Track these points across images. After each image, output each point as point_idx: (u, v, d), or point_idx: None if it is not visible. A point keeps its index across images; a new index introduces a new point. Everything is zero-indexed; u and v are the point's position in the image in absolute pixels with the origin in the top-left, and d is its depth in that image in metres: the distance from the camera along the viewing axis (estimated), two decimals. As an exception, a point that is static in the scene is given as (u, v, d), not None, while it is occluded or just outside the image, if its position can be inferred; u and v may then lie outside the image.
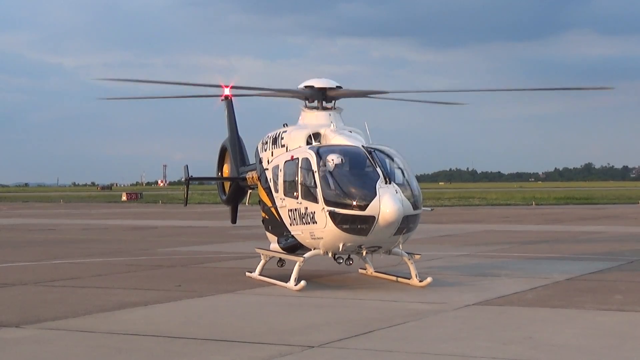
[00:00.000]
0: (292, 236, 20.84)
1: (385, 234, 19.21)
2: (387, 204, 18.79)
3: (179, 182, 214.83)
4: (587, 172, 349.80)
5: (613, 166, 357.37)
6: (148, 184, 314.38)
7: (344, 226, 19.18)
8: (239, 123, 27.07)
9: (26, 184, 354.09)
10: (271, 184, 21.80)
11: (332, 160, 19.71)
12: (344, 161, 19.81)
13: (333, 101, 22.28)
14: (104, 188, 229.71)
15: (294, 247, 21.10)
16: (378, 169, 19.42)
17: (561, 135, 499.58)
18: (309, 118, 22.10)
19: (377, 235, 19.15)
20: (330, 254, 20.10)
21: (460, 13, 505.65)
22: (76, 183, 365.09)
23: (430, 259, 26.13)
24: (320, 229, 19.60)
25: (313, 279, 21.31)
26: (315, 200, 19.62)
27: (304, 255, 20.38)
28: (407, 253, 20.71)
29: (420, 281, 20.22)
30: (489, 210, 73.09)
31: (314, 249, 20.30)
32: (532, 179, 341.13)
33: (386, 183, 19.17)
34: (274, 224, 21.81)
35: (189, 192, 28.29)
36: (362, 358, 12.61)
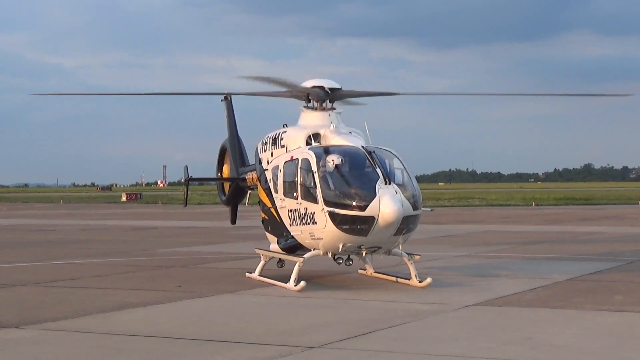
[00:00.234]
0: (292, 237, 20.84)
1: (385, 234, 19.21)
2: (386, 204, 18.79)
3: (178, 183, 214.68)
4: (587, 173, 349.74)
5: (613, 167, 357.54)
6: (148, 184, 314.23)
7: (344, 227, 19.18)
8: (238, 123, 27.10)
9: (26, 185, 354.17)
10: (271, 185, 21.80)
11: (332, 160, 19.71)
12: (343, 162, 19.81)
13: (333, 102, 22.26)
14: (103, 188, 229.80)
15: (294, 248, 21.10)
16: (378, 170, 19.43)
17: (561, 135, 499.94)
18: (308, 119, 22.09)
19: (377, 235, 19.15)
20: (330, 255, 20.10)
21: (460, 13, 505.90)
22: (76, 183, 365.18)
23: (430, 259, 26.13)
24: (320, 230, 19.60)
25: (313, 279, 21.31)
26: (315, 201, 19.62)
27: (304, 256, 20.38)
28: (406, 253, 20.71)
29: (420, 282, 20.22)
30: (489, 210, 73.10)
31: (314, 250, 20.31)
32: (532, 180, 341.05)
33: (386, 183, 19.17)
34: (274, 224, 21.81)
35: (188, 192, 28.31)
36: (362, 358, 12.61)
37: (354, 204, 19.10)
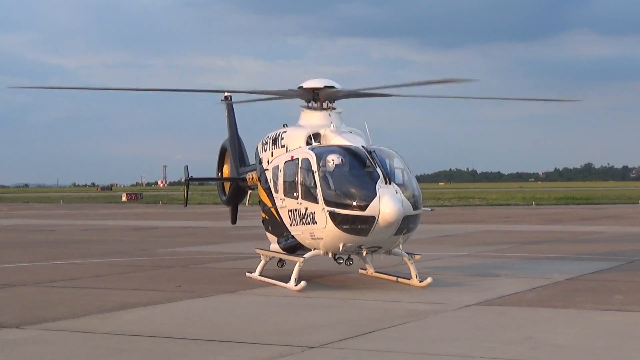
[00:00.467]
0: (292, 236, 20.84)
1: (386, 234, 19.21)
2: (387, 204, 18.79)
3: (179, 183, 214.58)
4: (587, 172, 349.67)
5: (613, 166, 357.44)
6: (148, 184, 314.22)
7: (344, 226, 19.18)
8: (238, 123, 27.10)
9: (26, 185, 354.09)
10: (271, 185, 21.80)
11: (332, 160, 19.72)
12: (344, 161, 19.81)
13: (327, 101, 22.22)
14: (104, 189, 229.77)
15: (294, 248, 21.10)
16: (378, 169, 19.43)
17: (561, 135, 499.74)
18: (308, 118, 22.10)
19: (377, 235, 19.15)
20: (330, 255, 20.10)
21: (460, 14, 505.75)
22: (76, 184, 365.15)
23: (430, 259, 26.13)
24: (320, 229, 19.61)
25: (313, 279, 21.32)
26: (315, 201, 19.62)
27: (304, 256, 20.38)
28: (407, 253, 20.71)
29: (420, 281, 20.22)
30: (489, 210, 73.10)
31: (314, 250, 20.31)
32: (532, 179, 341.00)
33: (386, 183, 19.17)
34: (274, 224, 21.81)
35: (189, 192, 28.30)
36: (362, 358, 12.61)
37: (355, 203, 19.10)
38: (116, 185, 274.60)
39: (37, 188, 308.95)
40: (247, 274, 22.74)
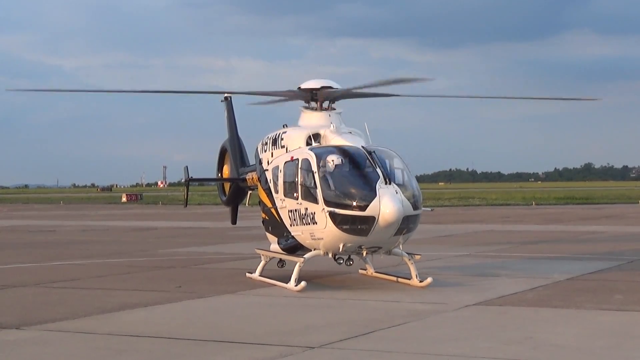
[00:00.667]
0: (292, 237, 20.84)
1: (386, 234, 19.21)
2: (387, 204, 18.79)
3: (179, 183, 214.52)
4: (587, 172, 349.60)
5: (613, 166, 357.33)
6: (148, 185, 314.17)
7: (344, 227, 19.18)
8: (238, 124, 27.09)
9: (26, 186, 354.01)
10: (271, 185, 21.80)
11: (332, 160, 19.72)
12: (343, 162, 19.82)
13: (333, 102, 22.26)
14: (103, 189, 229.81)
15: (294, 248, 21.10)
16: (378, 170, 19.43)
17: (561, 135, 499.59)
18: (308, 119, 22.10)
19: (377, 235, 19.15)
20: (330, 255, 20.10)
21: (460, 14, 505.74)
22: (76, 184, 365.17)
23: (430, 259, 26.13)
24: (320, 230, 19.61)
25: (313, 279, 21.31)
26: (315, 201, 19.62)
27: (304, 256, 20.38)
28: (407, 253, 20.70)
29: (420, 281, 20.22)
30: (489, 210, 73.11)
31: (314, 250, 20.31)
32: (532, 179, 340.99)
33: (386, 183, 19.17)
34: (274, 224, 21.81)
35: (189, 193, 28.29)
36: (363, 358, 12.61)
37: (354, 204, 19.10)
38: (116, 186, 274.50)
39: (37, 189, 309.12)
40: (247, 274, 22.74)
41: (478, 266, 25.25)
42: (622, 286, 20.34)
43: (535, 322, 15.43)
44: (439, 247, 32.03)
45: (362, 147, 20.24)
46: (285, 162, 20.99)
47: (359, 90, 22.33)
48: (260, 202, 22.96)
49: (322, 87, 21.93)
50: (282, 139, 22.01)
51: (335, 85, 22.06)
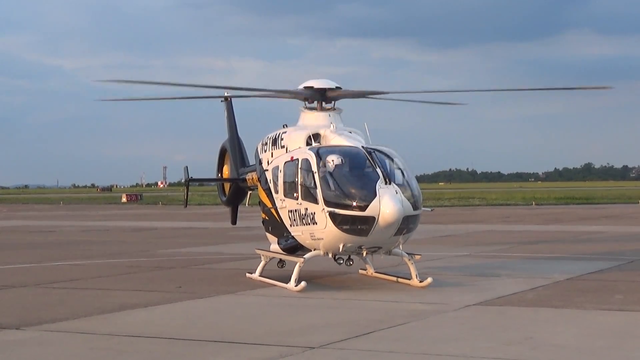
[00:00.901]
0: (292, 237, 20.83)
1: (386, 234, 19.21)
2: (387, 204, 18.79)
3: (179, 184, 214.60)
4: (587, 172, 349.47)
5: (613, 166, 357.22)
6: (148, 185, 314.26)
7: (344, 227, 19.18)
8: (238, 124, 27.08)
9: (26, 186, 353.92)
10: (271, 185, 21.79)
11: (332, 161, 19.71)
12: (343, 162, 19.81)
13: (333, 102, 22.28)
14: (103, 189, 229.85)
15: (294, 248, 21.09)
16: (378, 170, 19.43)
17: (561, 135, 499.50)
18: (308, 119, 22.10)
19: (377, 235, 19.15)
20: (330, 255, 20.10)
21: (460, 13, 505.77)
22: (76, 185, 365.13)
23: (430, 259, 26.13)
24: (320, 230, 19.60)
25: (313, 279, 21.31)
26: (315, 201, 19.62)
27: (304, 256, 20.38)
28: (407, 253, 20.70)
29: (420, 282, 20.22)
30: (489, 210, 73.11)
31: (314, 250, 20.30)
32: (532, 179, 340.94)
33: (386, 184, 19.17)
34: (274, 225, 21.81)
35: (189, 193, 28.30)
36: (363, 359, 12.61)
37: (354, 204, 19.09)
38: (116, 186, 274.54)
39: (37, 189, 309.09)
40: (248, 274, 22.73)
41: (478, 266, 25.25)
42: (622, 286, 20.34)
43: (536, 322, 15.43)
44: (439, 247, 32.03)
45: (362, 147, 20.24)
46: (285, 162, 20.98)
47: (367, 93, 22.42)
48: (260, 202, 22.96)
49: (336, 87, 21.99)
50: (282, 139, 22.00)
51: (333, 84, 22.08)
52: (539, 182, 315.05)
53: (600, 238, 37.05)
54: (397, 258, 21.04)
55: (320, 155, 19.92)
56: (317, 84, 22.08)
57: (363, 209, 18.93)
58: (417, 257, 20.88)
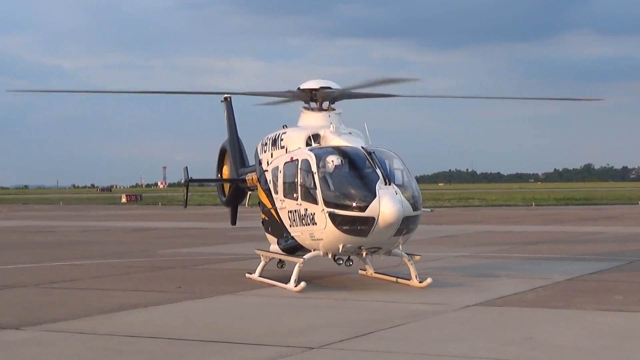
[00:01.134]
0: (292, 237, 20.83)
1: (385, 235, 19.20)
2: (386, 205, 18.78)
3: (178, 184, 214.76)
4: (587, 173, 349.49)
5: (613, 167, 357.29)
6: (148, 185, 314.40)
7: (344, 227, 19.17)
8: (238, 124, 27.08)
9: (26, 186, 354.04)
10: (271, 186, 21.79)
11: (332, 161, 19.71)
12: (343, 162, 19.81)
13: (333, 102, 22.26)
14: (103, 190, 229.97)
15: (294, 249, 21.09)
16: (378, 170, 19.43)
17: (561, 136, 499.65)
18: (308, 119, 22.09)
19: (377, 236, 19.15)
20: (330, 255, 20.09)
21: (460, 14, 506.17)
22: (76, 185, 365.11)
23: (430, 259, 26.13)
24: (320, 230, 19.60)
25: (313, 280, 21.31)
26: (315, 202, 19.61)
27: (304, 257, 20.37)
28: (407, 254, 20.70)
29: (420, 282, 20.21)
30: (489, 211, 73.10)
31: (314, 250, 20.30)
32: (532, 180, 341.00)
33: (386, 184, 19.17)
34: (274, 225, 21.80)
35: (188, 193, 28.30)
36: (362, 359, 12.61)
37: (354, 204, 19.09)
38: (116, 187, 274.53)
39: (36, 189, 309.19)
40: (247, 274, 22.73)
41: (478, 267, 25.25)
42: (622, 287, 20.34)
43: (535, 323, 15.42)
44: (439, 248, 32.02)
45: (362, 147, 20.23)
46: (285, 163, 20.98)
47: (356, 91, 22.32)
48: (260, 203, 22.95)
49: (321, 88, 21.92)
50: (281, 140, 22.00)
51: (334, 85, 22.06)
52: (539, 182, 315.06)
53: (600, 239, 37.05)
54: (396, 258, 21.02)
55: (319, 156, 19.91)
56: (306, 84, 22.08)
57: (363, 209, 18.92)
58: (417, 257, 20.87)
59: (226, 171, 26.88)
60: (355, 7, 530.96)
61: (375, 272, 22.40)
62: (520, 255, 29.35)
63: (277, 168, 21.38)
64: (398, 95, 23.80)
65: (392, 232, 19.14)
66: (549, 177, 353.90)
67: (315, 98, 22.04)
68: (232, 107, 27.32)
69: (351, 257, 20.59)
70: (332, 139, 20.91)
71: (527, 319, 15.96)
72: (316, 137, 21.13)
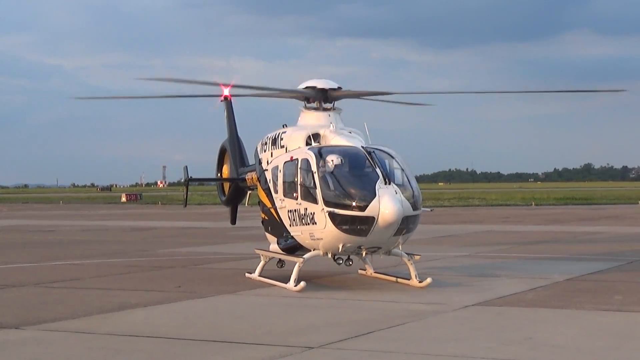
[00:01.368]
0: (292, 237, 20.83)
1: (385, 234, 19.20)
2: (386, 204, 18.78)
3: (178, 183, 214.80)
4: (587, 173, 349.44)
5: (612, 166, 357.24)
6: (147, 185, 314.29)
7: (344, 227, 19.17)
8: (238, 124, 27.07)
9: (26, 185, 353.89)
10: (270, 185, 21.79)
11: (332, 161, 19.70)
12: (343, 162, 19.80)
13: (333, 102, 22.29)
14: (103, 189, 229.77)
15: (294, 248, 21.09)
16: (377, 170, 19.42)
17: (561, 135, 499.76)
18: (308, 119, 22.10)
19: (377, 235, 19.14)
20: (329, 255, 20.09)
21: (460, 14, 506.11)
22: (75, 184, 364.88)
23: (429, 259, 26.13)
24: (319, 230, 19.60)
25: (313, 279, 21.31)
26: (315, 201, 19.61)
27: (304, 256, 20.37)
28: (406, 254, 20.70)
29: (419, 282, 20.21)
30: (489, 210, 73.09)
31: (314, 250, 20.30)
32: (532, 180, 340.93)
33: (386, 184, 19.16)
34: (274, 224, 21.80)
35: (188, 193, 28.30)
36: (362, 359, 12.61)
37: (354, 204, 19.09)
38: (116, 186, 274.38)
39: (36, 188, 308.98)
40: (247, 274, 22.73)
41: (477, 266, 25.25)
42: (621, 287, 20.34)
43: (535, 323, 15.42)
44: (439, 248, 32.02)
45: (362, 147, 20.23)
46: (285, 162, 20.98)
47: (366, 96, 22.45)
48: (260, 202, 22.96)
49: (339, 88, 22.02)
50: (281, 139, 22.00)
51: (333, 84, 22.10)
52: (539, 182, 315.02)
53: (599, 238, 37.04)
54: (396, 258, 21.03)
55: (319, 155, 19.91)
56: (319, 83, 22.10)
57: (363, 209, 18.92)
58: (417, 257, 20.87)
59: (226, 170, 26.88)
60: (355, 7, 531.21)
61: (375, 272, 22.40)
62: (520, 255, 29.35)
63: (277, 167, 21.38)
64: (398, 93, 23.82)
65: (392, 231, 19.14)
66: (549, 177, 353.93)
67: (326, 97, 22.01)
68: (232, 106, 27.31)
69: (351, 257, 20.59)
70: (332, 139, 20.91)
71: (526, 319, 15.96)
72: (316, 136, 21.14)
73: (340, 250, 19.59)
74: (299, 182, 20.19)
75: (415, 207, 19.58)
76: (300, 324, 15.52)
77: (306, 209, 19.91)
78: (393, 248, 20.15)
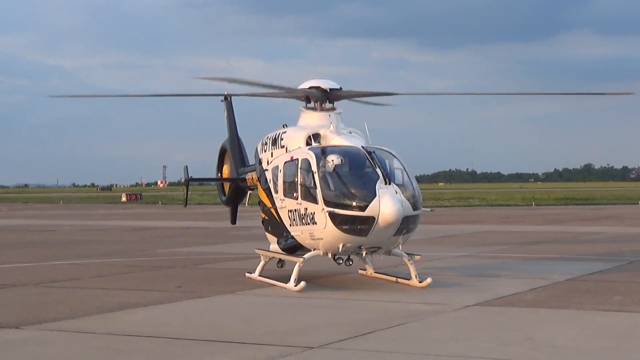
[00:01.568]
0: (292, 237, 20.83)
1: (385, 234, 19.20)
2: (386, 204, 18.78)
3: (178, 183, 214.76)
4: (587, 173, 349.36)
5: (613, 166, 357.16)
6: (148, 184, 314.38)
7: (344, 227, 19.17)
8: (238, 124, 27.08)
9: (26, 185, 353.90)
10: (271, 185, 21.79)
11: (332, 161, 19.70)
12: (343, 162, 19.81)
13: (333, 102, 22.29)
14: (103, 189, 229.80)
15: (294, 248, 21.09)
16: (378, 170, 19.43)
17: (561, 135, 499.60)
18: (308, 119, 22.09)
19: (377, 235, 19.14)
20: (330, 255, 20.09)
21: (460, 14, 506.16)
22: (76, 184, 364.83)
23: (430, 259, 26.13)
24: (320, 230, 19.60)
25: (313, 279, 21.31)
26: (315, 201, 19.61)
27: (304, 256, 20.37)
28: (406, 254, 20.70)
29: (420, 282, 20.21)
30: (489, 210, 73.09)
31: (314, 250, 20.30)
32: (532, 180, 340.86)
33: (386, 184, 19.16)
34: (274, 224, 21.80)
35: (188, 192, 28.29)
36: (362, 359, 12.61)
37: (354, 204, 19.09)
38: (116, 186, 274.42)
39: (36, 188, 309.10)
40: (247, 274, 22.73)
41: (478, 267, 25.25)
42: (621, 287, 20.34)
43: (535, 323, 15.43)
44: (439, 248, 32.02)
45: (362, 147, 20.23)
46: (285, 162, 20.98)
47: (364, 97, 22.46)
48: (260, 202, 22.96)
49: (340, 88, 22.03)
50: (282, 139, 22.00)
51: (334, 84, 22.11)
52: (539, 182, 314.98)
53: (600, 239, 37.04)
54: (396, 258, 21.02)
55: (320, 155, 19.91)
56: (320, 84, 22.09)
57: (363, 209, 18.92)
58: (417, 257, 20.87)
59: (226, 170, 26.88)
60: (355, 7, 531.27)
61: (375, 272, 22.40)
62: (520, 255, 29.35)
63: (277, 167, 21.38)
64: (398, 94, 23.82)
65: (392, 231, 19.14)
66: (549, 177, 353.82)
67: (328, 97, 22.01)
68: (232, 106, 27.32)
69: (351, 257, 20.59)
70: (332, 139, 20.91)
71: (526, 319, 15.96)
72: (316, 136, 21.14)
73: (340, 250, 19.59)
74: (299, 182, 20.19)
75: (415, 207, 19.58)
76: (300, 324, 15.52)
77: (306, 208, 19.91)
78: (393, 248, 20.15)
